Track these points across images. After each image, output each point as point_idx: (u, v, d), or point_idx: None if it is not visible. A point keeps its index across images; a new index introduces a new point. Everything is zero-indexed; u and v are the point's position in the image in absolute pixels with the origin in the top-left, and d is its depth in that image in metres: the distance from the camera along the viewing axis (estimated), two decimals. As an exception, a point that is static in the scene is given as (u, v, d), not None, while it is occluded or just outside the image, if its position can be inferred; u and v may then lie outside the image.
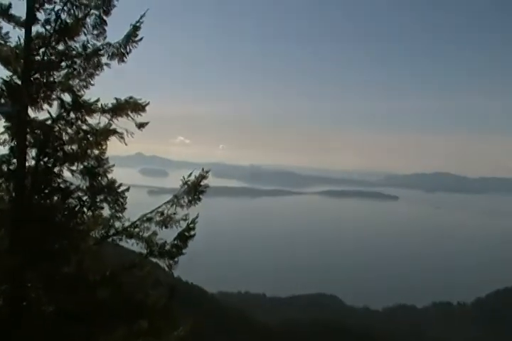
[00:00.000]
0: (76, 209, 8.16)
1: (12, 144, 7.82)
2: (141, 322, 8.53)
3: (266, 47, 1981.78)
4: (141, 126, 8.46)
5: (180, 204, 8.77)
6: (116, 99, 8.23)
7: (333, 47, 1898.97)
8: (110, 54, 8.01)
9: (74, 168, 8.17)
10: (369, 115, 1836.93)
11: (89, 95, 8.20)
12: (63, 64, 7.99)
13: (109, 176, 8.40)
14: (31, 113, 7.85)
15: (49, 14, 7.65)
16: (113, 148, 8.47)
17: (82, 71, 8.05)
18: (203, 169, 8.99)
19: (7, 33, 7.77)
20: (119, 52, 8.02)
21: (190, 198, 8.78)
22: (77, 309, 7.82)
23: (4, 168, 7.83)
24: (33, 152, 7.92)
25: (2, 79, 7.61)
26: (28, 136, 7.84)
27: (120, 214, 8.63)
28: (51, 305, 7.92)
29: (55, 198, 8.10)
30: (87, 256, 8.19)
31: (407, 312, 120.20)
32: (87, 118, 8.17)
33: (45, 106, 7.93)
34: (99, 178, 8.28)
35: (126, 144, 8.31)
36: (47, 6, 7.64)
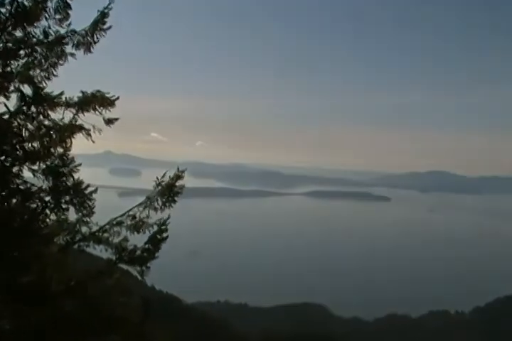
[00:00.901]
0: (38, 212, 7.95)
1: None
2: (112, 336, 8.45)
3: (252, 41, 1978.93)
4: (109, 121, 8.30)
5: (153, 206, 8.67)
6: (82, 92, 8.03)
7: (322, 41, 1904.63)
8: (75, 42, 7.76)
9: (35, 167, 7.92)
10: (361, 112, 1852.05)
11: (52, 88, 7.98)
12: (22, 52, 7.68)
13: (75, 176, 8.17)
14: (-14, 106, 7.64)
15: (3, -5, 7.28)
16: (79, 145, 8.36)
17: (43, 60, 7.77)
18: (178, 168, 8.88)
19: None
20: (86, 41, 7.79)
21: (164, 200, 8.68)
22: (38, 323, 7.70)
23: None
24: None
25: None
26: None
27: (87, 218, 8.50)
28: (9, 319, 7.79)
29: (14, 200, 7.85)
30: (50, 264, 8.04)
31: (400, 322, 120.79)
32: (50, 112, 7.93)
33: (2, 98, 7.69)
34: (64, 179, 8.06)
35: (93, 141, 8.18)
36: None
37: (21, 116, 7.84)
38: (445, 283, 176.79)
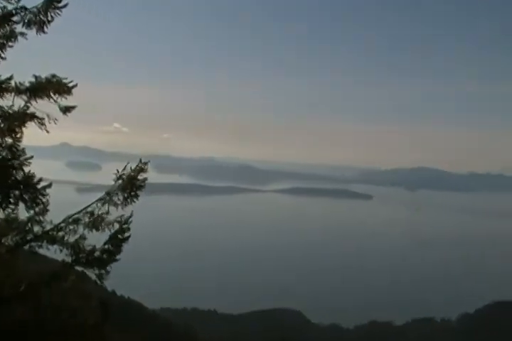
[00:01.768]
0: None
1: None
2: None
3: (224, 28, 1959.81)
4: (66, 110, 8.16)
5: (113, 202, 8.54)
6: (35, 76, 7.87)
7: (297, 29, 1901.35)
8: (26, 21, 7.55)
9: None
10: (341, 104, 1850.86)
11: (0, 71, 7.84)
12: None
13: (26, 170, 7.95)
14: None
15: None
16: (32, 136, 8.22)
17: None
18: (140, 160, 8.75)
19: None
20: (38, 20, 7.56)
21: (125, 195, 8.54)
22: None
23: None
24: None
25: None
26: None
27: (40, 216, 8.39)
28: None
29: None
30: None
31: (383, 330, 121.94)
32: (-2, 99, 7.76)
33: None
34: (14, 172, 7.84)
35: (48, 132, 8.03)
36: None
37: (-36, 103, 7.63)
38: (431, 287, 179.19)
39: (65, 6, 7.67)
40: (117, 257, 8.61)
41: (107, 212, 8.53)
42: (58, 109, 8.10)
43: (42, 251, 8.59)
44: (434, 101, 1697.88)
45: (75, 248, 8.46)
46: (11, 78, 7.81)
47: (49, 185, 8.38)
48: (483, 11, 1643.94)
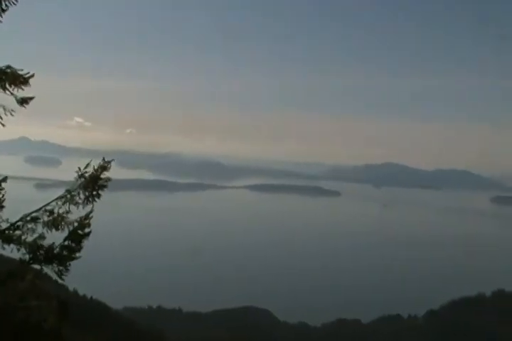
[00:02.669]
0: None
1: None
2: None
3: (178, 18, 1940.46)
4: (23, 101, 8.01)
5: (74, 200, 8.44)
6: None
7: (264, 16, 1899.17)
8: None
9: None
10: (310, 98, 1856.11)
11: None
12: None
13: None
14: None
15: None
16: (-14, 130, 8.04)
17: None
18: (104, 158, 8.68)
19: None
20: None
21: (87, 194, 8.45)
22: None
23: None
24: None
25: None
26: None
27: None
28: None
29: None
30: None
31: (350, 327, 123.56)
32: None
33: None
34: None
35: (3, 125, 7.92)
36: None
37: None
38: (398, 285, 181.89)
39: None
40: (78, 254, 8.48)
41: (68, 211, 8.41)
42: (15, 101, 7.96)
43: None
44: (400, 97, 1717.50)
45: (33, 246, 8.31)
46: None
47: (4, 179, 8.22)
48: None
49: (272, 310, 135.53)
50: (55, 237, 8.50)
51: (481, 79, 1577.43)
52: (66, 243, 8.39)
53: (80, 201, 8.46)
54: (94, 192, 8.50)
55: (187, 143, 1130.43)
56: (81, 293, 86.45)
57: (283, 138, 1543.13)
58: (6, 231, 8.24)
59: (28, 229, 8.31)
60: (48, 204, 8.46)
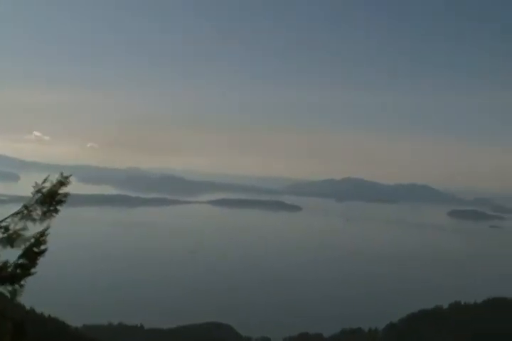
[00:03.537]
0: None
1: None
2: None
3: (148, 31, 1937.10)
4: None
5: (31, 217, 8.30)
6: None
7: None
8: None
9: None
10: (273, 113, 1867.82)
11: None
12: None
13: None
14: None
15: None
16: None
17: None
18: (62, 173, 8.54)
19: None
20: None
21: (44, 210, 8.33)
22: None
23: None
24: None
25: None
26: None
27: None
28: None
29: None
30: None
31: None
32: None
33: None
34: None
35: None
36: None
37: None
38: (359, 299, 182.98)
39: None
40: (33, 271, 8.28)
41: (24, 228, 8.21)
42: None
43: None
44: (363, 112, 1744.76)
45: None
46: None
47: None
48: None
49: (234, 325, 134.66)
50: (9, 255, 8.27)
51: (442, 96, 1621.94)
52: (20, 261, 8.19)
53: (37, 217, 8.30)
54: (52, 208, 8.34)
55: (149, 158, 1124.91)
56: (38, 311, 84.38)
57: (246, 153, 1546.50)
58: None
59: (-19, 246, 8.06)
60: (3, 220, 8.26)
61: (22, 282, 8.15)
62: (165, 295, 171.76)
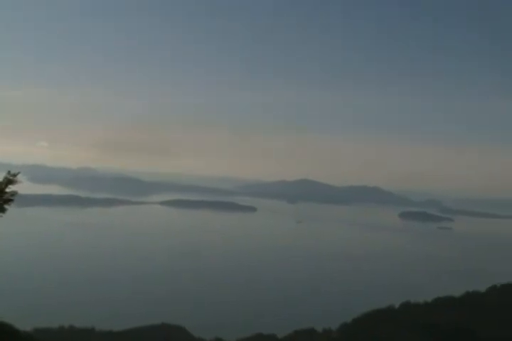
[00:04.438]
0: None
1: None
2: None
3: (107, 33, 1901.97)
4: None
5: (-24, 216, 7.86)
6: None
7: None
8: None
9: None
10: (228, 114, 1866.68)
11: None
12: None
13: None
14: None
15: None
16: None
17: None
18: (9, 172, 8.11)
19: None
20: None
21: (-10, 208, 7.89)
22: None
23: None
24: None
25: None
26: None
27: None
28: None
29: None
30: None
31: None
32: None
33: None
34: None
35: None
36: None
37: None
38: (312, 299, 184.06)
39: None
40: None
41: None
42: None
43: None
44: (317, 113, 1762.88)
45: None
46: None
47: None
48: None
49: (187, 326, 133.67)
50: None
51: (397, 97, 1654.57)
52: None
53: (-17, 216, 7.81)
54: (-1, 207, 7.88)
55: (101, 158, 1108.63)
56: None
57: (200, 154, 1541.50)
58: None
59: None
60: None
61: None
62: (116, 296, 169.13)
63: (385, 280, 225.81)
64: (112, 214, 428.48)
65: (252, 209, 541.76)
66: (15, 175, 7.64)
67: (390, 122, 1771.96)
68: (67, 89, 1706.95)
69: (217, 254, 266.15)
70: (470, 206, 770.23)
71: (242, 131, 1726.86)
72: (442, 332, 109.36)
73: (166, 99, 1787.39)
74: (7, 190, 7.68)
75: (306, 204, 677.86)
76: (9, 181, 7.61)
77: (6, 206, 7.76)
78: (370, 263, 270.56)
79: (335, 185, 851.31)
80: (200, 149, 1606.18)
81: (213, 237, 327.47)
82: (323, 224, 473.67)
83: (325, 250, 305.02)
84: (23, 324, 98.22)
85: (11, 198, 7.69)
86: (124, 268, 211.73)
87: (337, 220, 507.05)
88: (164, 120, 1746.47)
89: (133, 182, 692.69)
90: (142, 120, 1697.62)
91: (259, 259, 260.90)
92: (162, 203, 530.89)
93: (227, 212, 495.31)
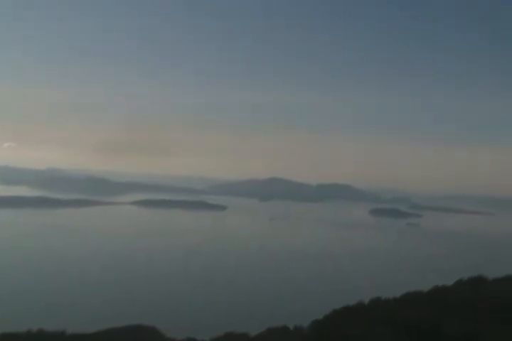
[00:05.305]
0: None
1: None
2: None
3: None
4: None
5: None
6: None
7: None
8: None
9: None
10: (195, 113, 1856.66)
11: None
12: None
13: None
14: None
15: None
16: None
17: None
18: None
19: None
20: None
21: None
22: None
23: None
24: None
25: None
26: None
27: None
28: None
29: None
30: None
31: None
32: None
33: None
34: None
35: None
36: None
37: None
38: (284, 297, 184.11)
39: None
40: None
41: None
42: None
43: None
44: (286, 112, 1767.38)
45: None
46: None
47: None
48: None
49: (159, 326, 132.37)
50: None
51: (366, 95, 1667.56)
52: None
53: None
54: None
55: (70, 159, 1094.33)
56: None
57: (169, 153, 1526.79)
58: None
59: None
60: None
61: None
62: (85, 298, 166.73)
63: (355, 277, 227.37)
64: (82, 215, 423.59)
65: (222, 207, 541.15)
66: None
67: (360, 121, 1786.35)
68: (27, 83, 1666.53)
69: (187, 254, 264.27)
70: (438, 202, 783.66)
71: (207, 130, 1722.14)
72: (413, 327, 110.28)
73: (133, 96, 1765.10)
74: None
75: (278, 203, 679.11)
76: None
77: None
78: (340, 260, 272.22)
79: (306, 183, 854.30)
80: (167, 149, 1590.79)
81: (183, 236, 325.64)
82: (296, 221, 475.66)
83: (296, 248, 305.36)
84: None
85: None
86: (94, 270, 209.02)
87: (309, 218, 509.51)
88: (143, 119, 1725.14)
89: (102, 183, 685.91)
90: (107, 119, 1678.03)
91: (230, 258, 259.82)
92: (133, 203, 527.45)
93: (197, 211, 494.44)
